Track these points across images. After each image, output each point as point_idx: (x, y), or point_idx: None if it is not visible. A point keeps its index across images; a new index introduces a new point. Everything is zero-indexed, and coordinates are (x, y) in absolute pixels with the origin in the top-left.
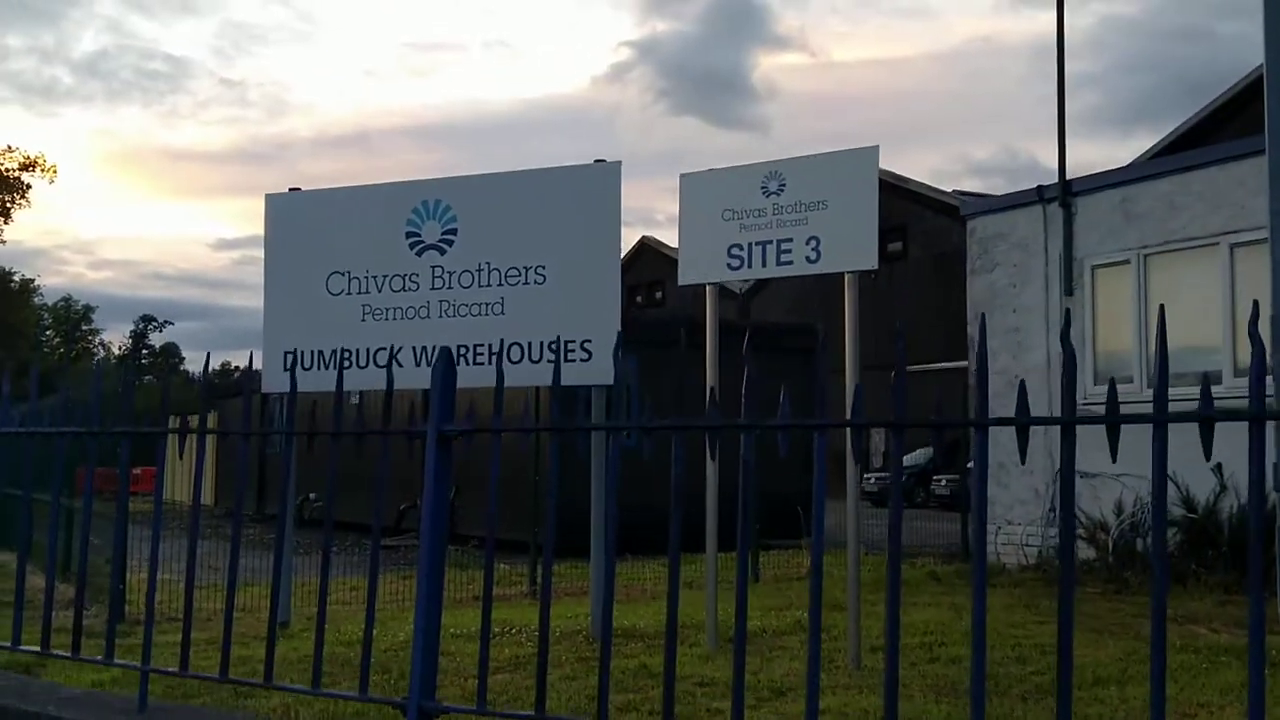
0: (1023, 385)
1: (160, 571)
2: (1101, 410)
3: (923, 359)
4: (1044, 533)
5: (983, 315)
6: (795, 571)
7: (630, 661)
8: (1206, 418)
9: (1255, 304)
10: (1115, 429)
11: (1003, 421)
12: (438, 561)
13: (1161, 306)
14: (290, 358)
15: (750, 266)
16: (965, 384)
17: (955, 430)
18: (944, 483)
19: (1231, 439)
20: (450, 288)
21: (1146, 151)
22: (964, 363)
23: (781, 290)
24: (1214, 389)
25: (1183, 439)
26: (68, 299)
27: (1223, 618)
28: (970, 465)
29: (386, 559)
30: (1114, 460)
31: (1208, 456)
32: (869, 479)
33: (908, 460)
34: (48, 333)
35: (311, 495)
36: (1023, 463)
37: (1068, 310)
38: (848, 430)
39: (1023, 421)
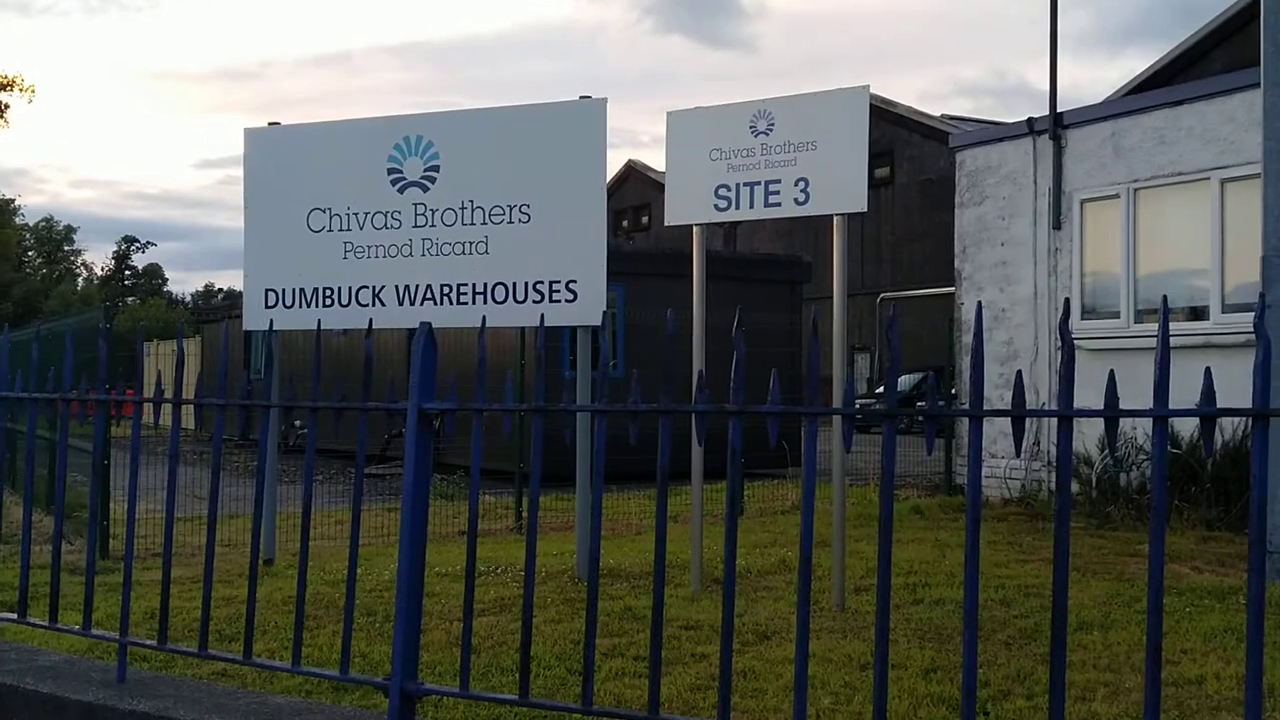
0: (1019, 376)
1: (144, 501)
2: (1085, 344)
3: (909, 284)
4: (1027, 466)
5: (979, 304)
6: (780, 504)
7: (615, 604)
8: (1207, 415)
9: (1261, 299)
10: (1114, 423)
11: (998, 413)
12: (419, 539)
13: (1165, 299)
14: (271, 295)
15: (738, 207)
16: (951, 316)
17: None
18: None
19: (1217, 375)
20: (433, 225)
21: (1137, 76)
22: (950, 289)
23: (768, 220)
24: (1201, 324)
25: (1171, 372)
26: (49, 219)
27: (1205, 555)
28: (955, 394)
29: (372, 488)
30: (1113, 452)
31: (1209, 452)
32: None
33: None
34: (30, 254)
35: (297, 422)
36: (1017, 455)
37: (1067, 300)
38: (839, 346)
39: (1018, 413)
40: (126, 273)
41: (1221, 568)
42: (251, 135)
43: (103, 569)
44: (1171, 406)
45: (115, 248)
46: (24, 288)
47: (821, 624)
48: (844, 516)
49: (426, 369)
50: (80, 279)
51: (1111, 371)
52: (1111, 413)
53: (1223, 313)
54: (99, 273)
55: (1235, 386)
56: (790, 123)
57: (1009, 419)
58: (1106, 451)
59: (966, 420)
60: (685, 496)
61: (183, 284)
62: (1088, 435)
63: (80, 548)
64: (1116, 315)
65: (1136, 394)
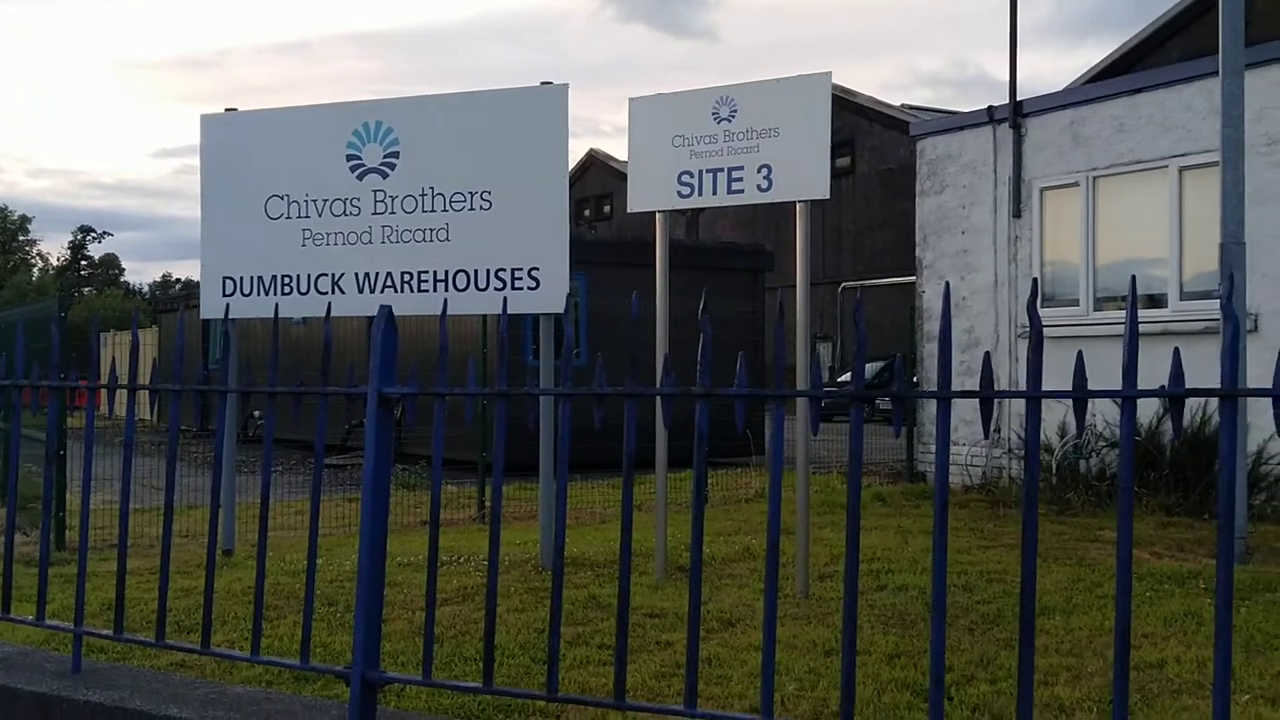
0: (987, 357)
1: (100, 492)
2: (1050, 331)
3: (870, 274)
4: (988, 453)
5: (946, 284)
6: (743, 493)
7: (580, 592)
8: (1176, 395)
9: (1230, 279)
10: (1082, 404)
11: (966, 394)
12: (379, 530)
13: (1133, 279)
14: (230, 284)
15: (701, 194)
16: (913, 305)
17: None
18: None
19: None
20: (393, 213)
21: (1095, 65)
22: (911, 278)
23: (730, 208)
24: (1159, 312)
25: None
26: (3, 209)
27: (1164, 540)
28: (917, 382)
29: (332, 479)
30: (1079, 435)
31: (1177, 434)
32: None
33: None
34: None
35: (256, 413)
36: (985, 437)
37: (1035, 280)
38: (802, 336)
39: (986, 394)
40: (83, 263)
41: (1181, 553)
42: (208, 121)
43: (58, 560)
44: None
45: (71, 237)
46: None
47: (786, 610)
48: (808, 503)
49: (387, 353)
50: (35, 269)
51: (1080, 352)
52: (1080, 393)
53: (1181, 300)
54: (55, 263)
55: (1194, 373)
56: (753, 109)
57: (973, 403)
58: (1067, 438)
59: (930, 406)
60: (649, 485)
61: (140, 274)
62: (1047, 422)
63: (35, 539)
64: (1076, 303)
65: (1096, 380)
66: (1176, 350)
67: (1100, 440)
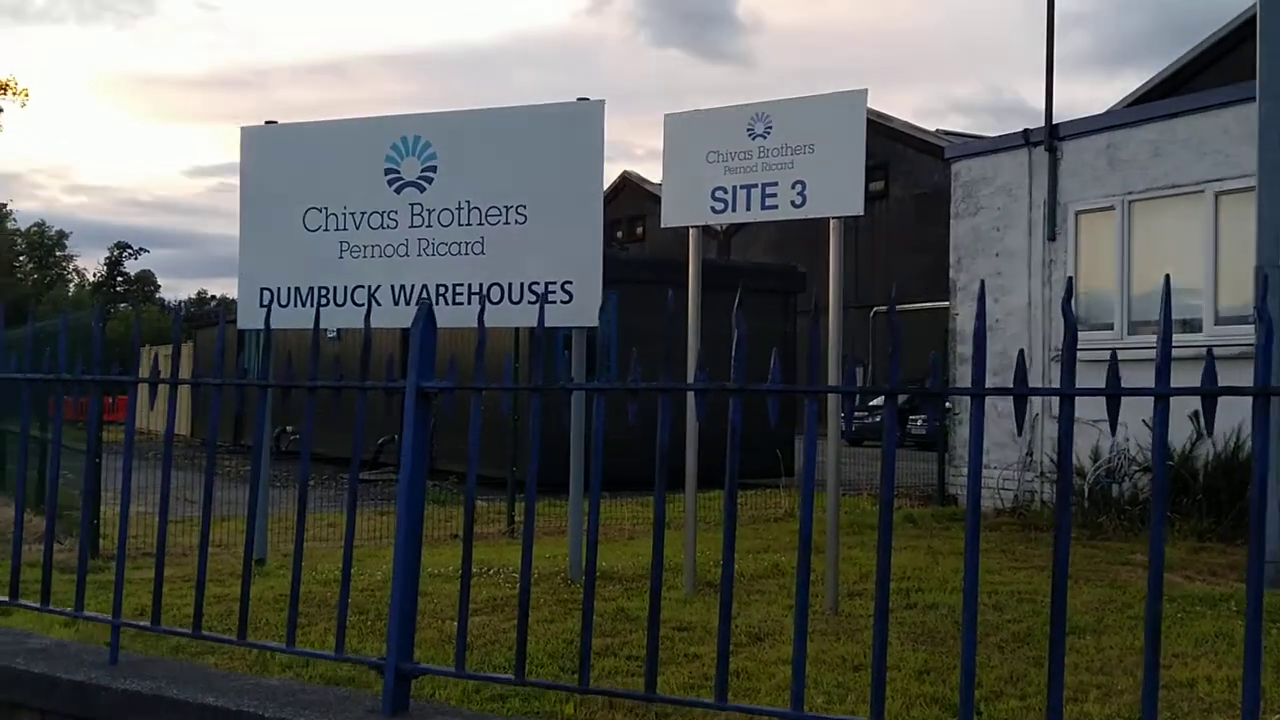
0: (1021, 356)
1: (134, 503)
2: (1084, 355)
3: (903, 299)
4: (1020, 477)
5: (982, 282)
6: (773, 512)
7: (609, 605)
8: (1209, 392)
9: (1265, 277)
10: (1115, 401)
11: (1000, 391)
12: (415, 521)
13: (1167, 276)
14: (267, 294)
15: (735, 210)
16: (945, 325)
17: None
18: (920, 422)
19: (1210, 384)
20: (429, 226)
21: (1132, 93)
22: (944, 303)
23: (762, 229)
24: (1193, 336)
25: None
26: (41, 224)
27: (1196, 565)
28: (949, 406)
29: (365, 493)
30: (1113, 433)
31: (1209, 431)
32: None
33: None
34: (21, 259)
35: (289, 428)
36: (1019, 433)
37: (1070, 279)
38: (834, 359)
39: (1020, 392)
40: (119, 279)
41: (1213, 577)
42: (248, 134)
43: (93, 567)
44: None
45: (108, 254)
46: (14, 293)
47: (815, 626)
48: (838, 521)
49: (425, 348)
50: (72, 284)
51: (1114, 351)
52: (1113, 391)
53: (1216, 324)
54: (91, 279)
55: (1231, 399)
56: (788, 126)
57: (1009, 426)
58: (1099, 462)
59: (963, 430)
60: (678, 505)
61: (175, 291)
62: (1079, 445)
63: (70, 546)
64: (1110, 327)
65: (1129, 405)
66: (1210, 350)
67: (1133, 464)
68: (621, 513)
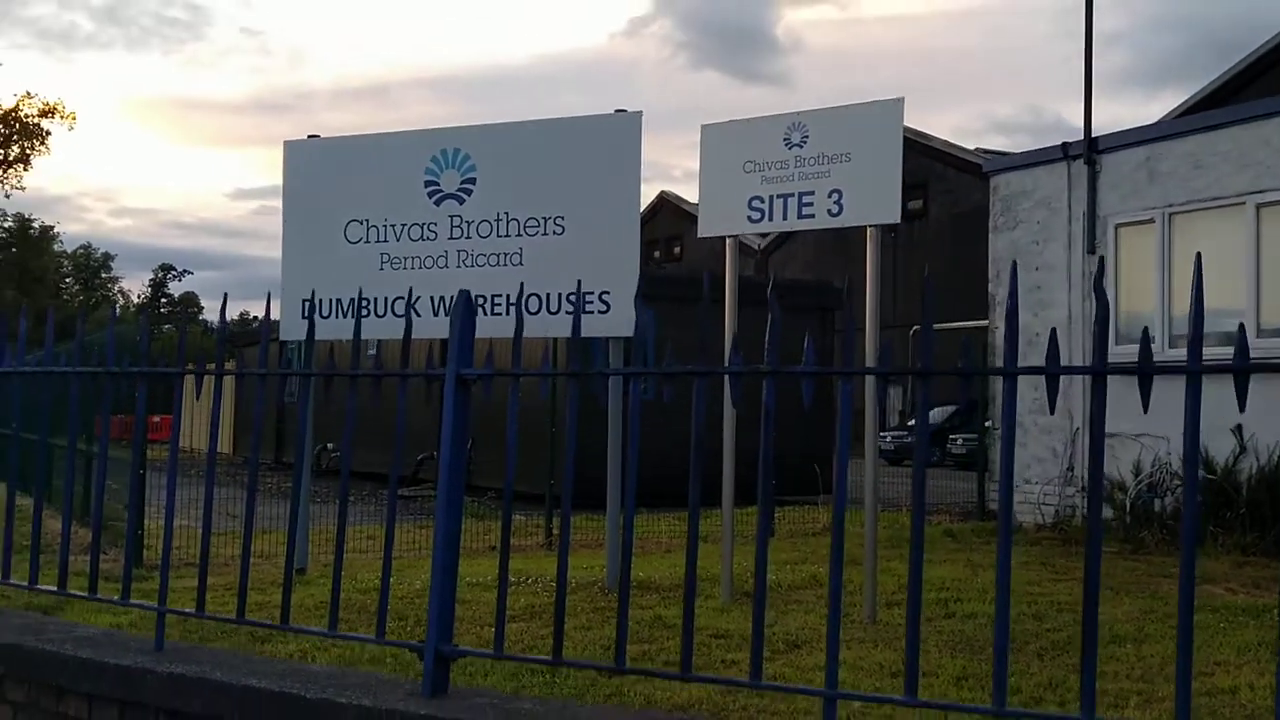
0: (1053, 334)
1: (177, 518)
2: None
3: (943, 318)
4: (1061, 492)
5: (1014, 262)
6: (811, 527)
7: (646, 613)
8: (1242, 369)
9: None
10: (1147, 379)
11: (1032, 370)
12: (455, 503)
13: (1198, 255)
14: (308, 305)
15: (771, 219)
16: (985, 342)
17: (974, 388)
18: (960, 442)
19: (1253, 400)
20: (468, 237)
21: (1173, 110)
22: (984, 321)
23: (799, 249)
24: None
25: (1203, 399)
26: (87, 246)
27: (1240, 578)
28: (989, 424)
29: (404, 509)
30: (1145, 410)
31: (1242, 408)
32: (884, 438)
33: None
34: (67, 280)
35: (329, 445)
36: (1051, 412)
37: (1101, 258)
38: (871, 379)
39: (1052, 371)
40: (163, 300)
41: (1256, 589)
42: (291, 147)
43: (137, 576)
44: (1203, 432)
45: (152, 275)
46: (61, 314)
47: (852, 634)
48: (876, 532)
49: (465, 337)
50: (117, 306)
51: (1145, 329)
52: (1145, 368)
53: (1258, 337)
54: (135, 300)
55: (1275, 411)
56: (825, 135)
57: (1047, 439)
58: (1141, 477)
59: (998, 445)
60: (715, 520)
61: (217, 312)
62: (1121, 460)
63: (115, 556)
64: (1151, 340)
65: (1171, 421)
66: (1241, 326)
67: (1175, 478)
68: (659, 527)
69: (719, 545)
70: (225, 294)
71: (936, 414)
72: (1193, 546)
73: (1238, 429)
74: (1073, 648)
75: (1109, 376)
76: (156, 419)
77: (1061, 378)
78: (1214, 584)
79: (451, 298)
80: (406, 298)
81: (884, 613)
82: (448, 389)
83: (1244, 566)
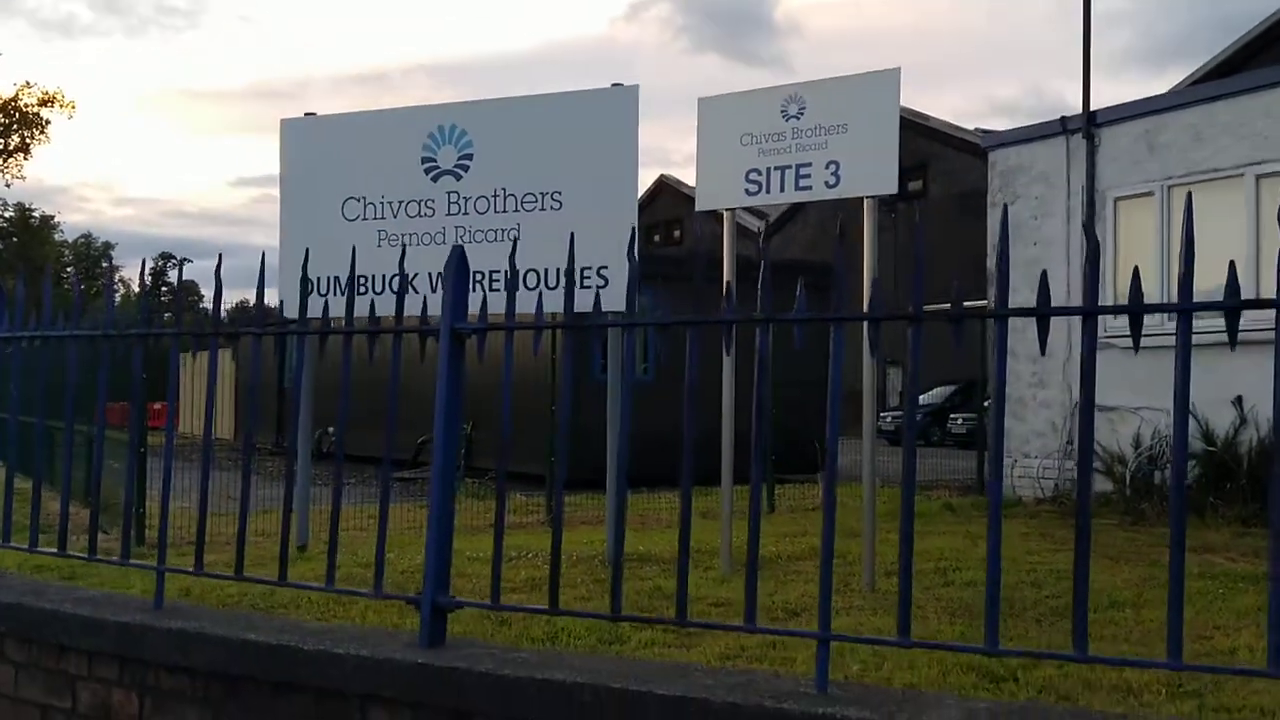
0: (1044, 275)
1: (176, 501)
2: (1119, 343)
3: (942, 298)
4: (1060, 465)
5: (1005, 205)
6: (811, 503)
7: (646, 584)
8: (1234, 306)
9: None
10: (1138, 319)
11: (1023, 312)
12: (449, 462)
13: (1189, 194)
14: (307, 285)
15: (769, 191)
16: (984, 322)
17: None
18: (960, 421)
19: (1253, 372)
20: (466, 213)
21: (1177, 85)
22: (984, 301)
23: (799, 232)
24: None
25: (1202, 369)
26: (88, 236)
27: (1240, 548)
28: (988, 404)
29: (404, 490)
30: (1136, 349)
31: (1232, 345)
32: (885, 418)
33: (924, 399)
34: (68, 270)
35: (329, 429)
36: (1042, 353)
37: (1091, 199)
38: (868, 362)
39: (1043, 312)
40: (163, 289)
41: (1256, 558)
42: (288, 126)
43: (136, 554)
44: (1203, 404)
45: (152, 264)
46: (63, 304)
47: (851, 602)
48: (874, 500)
49: (459, 292)
50: (118, 294)
51: (1136, 269)
52: (1137, 308)
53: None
54: (136, 289)
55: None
56: (821, 106)
57: (1047, 414)
58: (1141, 449)
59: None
60: (714, 497)
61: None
62: (1121, 434)
63: (115, 536)
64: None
65: (1170, 393)
66: (1232, 264)
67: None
68: (659, 504)
69: (718, 520)
70: (220, 254)
71: (937, 394)
72: (1182, 467)
73: (1238, 400)
74: (1070, 614)
75: (1106, 351)
76: (157, 406)
77: (1058, 355)
78: (1214, 553)
79: None
80: (401, 251)
81: (883, 582)
82: (442, 344)
83: (1244, 536)
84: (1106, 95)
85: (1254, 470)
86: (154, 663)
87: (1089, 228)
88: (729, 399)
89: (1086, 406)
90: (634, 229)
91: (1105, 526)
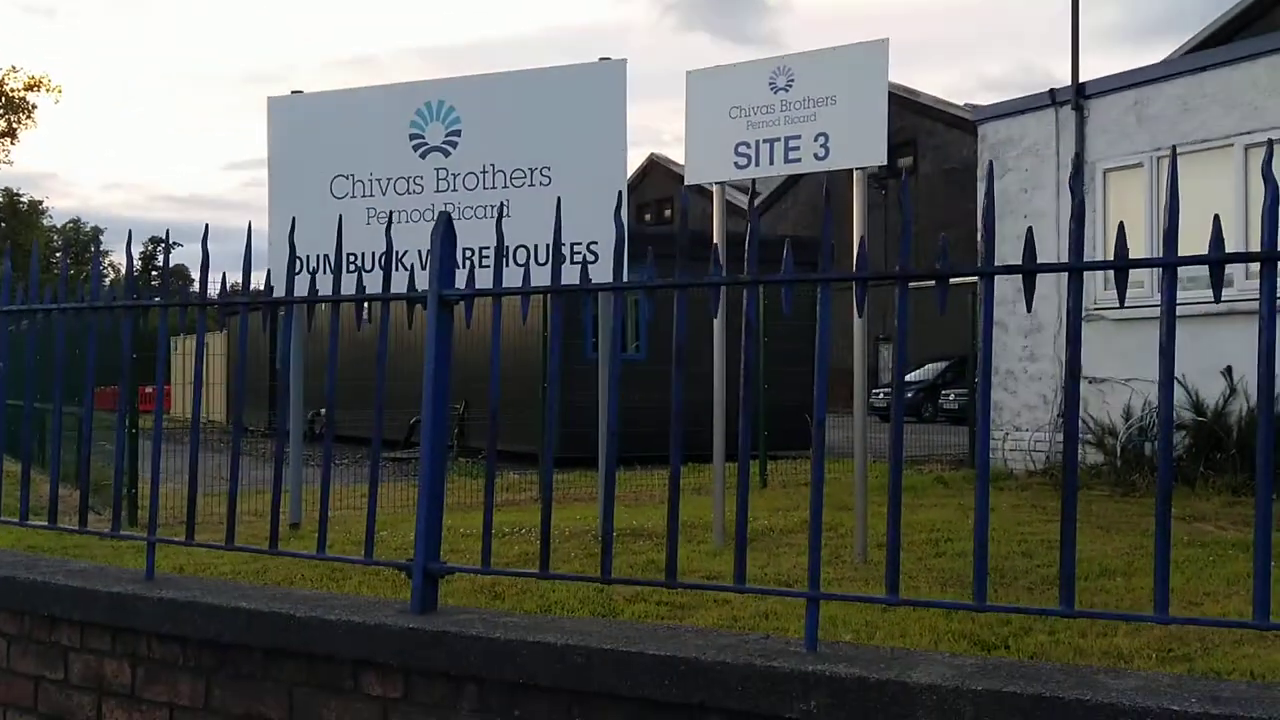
0: (1029, 231)
1: (166, 482)
2: (1109, 314)
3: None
4: (1051, 438)
5: (990, 162)
6: (802, 478)
7: (638, 557)
8: (1217, 260)
9: (1270, 144)
10: (1124, 274)
11: (1010, 269)
12: (439, 428)
13: (1174, 148)
14: (297, 263)
15: (758, 164)
16: (974, 295)
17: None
18: (952, 397)
19: (1242, 342)
20: (454, 190)
21: (1165, 58)
22: (973, 278)
23: (789, 210)
24: (1226, 291)
25: (1191, 340)
26: (77, 221)
27: (1230, 516)
28: (979, 380)
29: (396, 470)
30: (1121, 304)
31: (1217, 298)
32: (877, 394)
33: (917, 376)
34: (57, 255)
35: (321, 411)
36: (1028, 310)
37: (1078, 153)
38: (860, 334)
39: (1029, 269)
40: (153, 274)
41: (1246, 527)
42: (275, 104)
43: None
44: (1193, 375)
45: (142, 249)
46: (52, 289)
47: (843, 573)
48: (866, 473)
49: (445, 258)
50: (108, 279)
51: (1121, 224)
52: (1122, 263)
53: (1248, 279)
54: (124, 270)
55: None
56: (810, 79)
57: (1039, 387)
58: (1131, 420)
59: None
60: (706, 473)
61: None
62: (1112, 405)
63: (107, 518)
64: (1140, 285)
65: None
66: (1216, 217)
67: None
68: (652, 481)
69: (709, 497)
70: (206, 225)
71: (929, 370)
72: (1169, 414)
73: (1228, 371)
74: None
75: (1096, 322)
76: (149, 390)
77: (1049, 328)
78: (1205, 522)
79: None
80: (387, 225)
81: (875, 553)
82: (430, 310)
83: (1234, 506)
84: (1094, 70)
85: (1243, 440)
86: (146, 632)
87: (1075, 184)
88: (720, 368)
89: (1073, 360)
90: (621, 194)
91: (1096, 497)
